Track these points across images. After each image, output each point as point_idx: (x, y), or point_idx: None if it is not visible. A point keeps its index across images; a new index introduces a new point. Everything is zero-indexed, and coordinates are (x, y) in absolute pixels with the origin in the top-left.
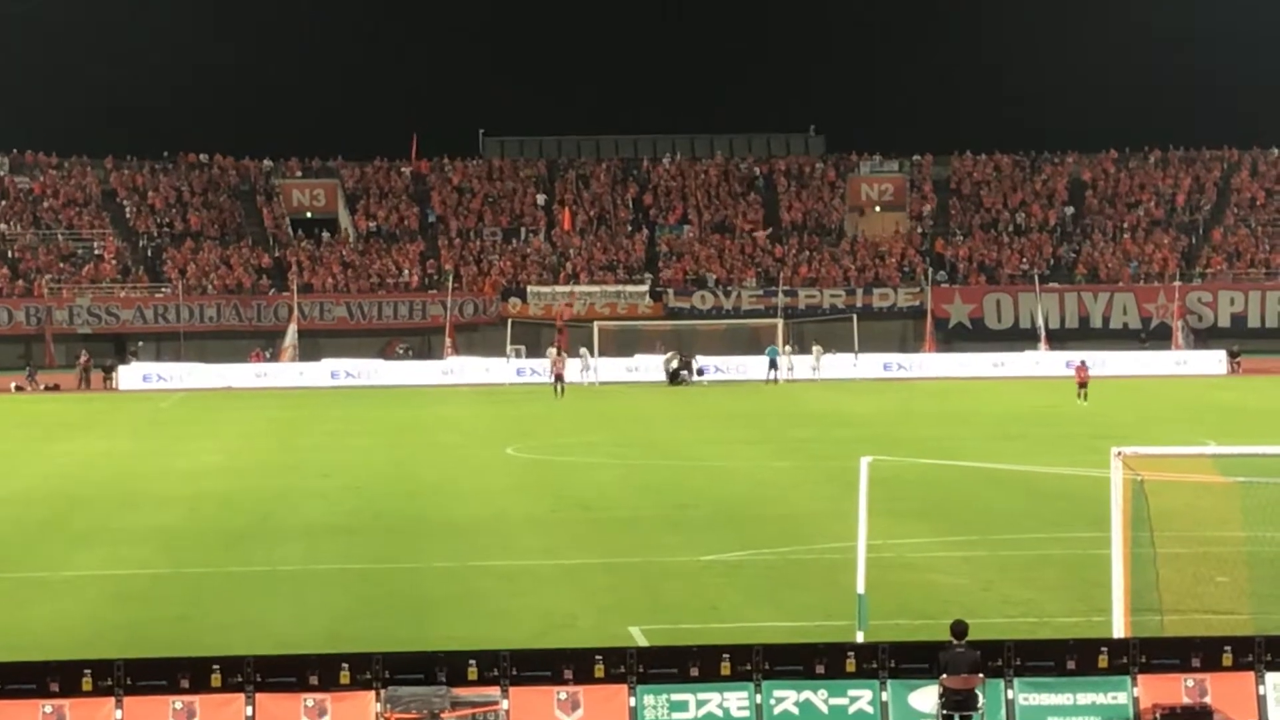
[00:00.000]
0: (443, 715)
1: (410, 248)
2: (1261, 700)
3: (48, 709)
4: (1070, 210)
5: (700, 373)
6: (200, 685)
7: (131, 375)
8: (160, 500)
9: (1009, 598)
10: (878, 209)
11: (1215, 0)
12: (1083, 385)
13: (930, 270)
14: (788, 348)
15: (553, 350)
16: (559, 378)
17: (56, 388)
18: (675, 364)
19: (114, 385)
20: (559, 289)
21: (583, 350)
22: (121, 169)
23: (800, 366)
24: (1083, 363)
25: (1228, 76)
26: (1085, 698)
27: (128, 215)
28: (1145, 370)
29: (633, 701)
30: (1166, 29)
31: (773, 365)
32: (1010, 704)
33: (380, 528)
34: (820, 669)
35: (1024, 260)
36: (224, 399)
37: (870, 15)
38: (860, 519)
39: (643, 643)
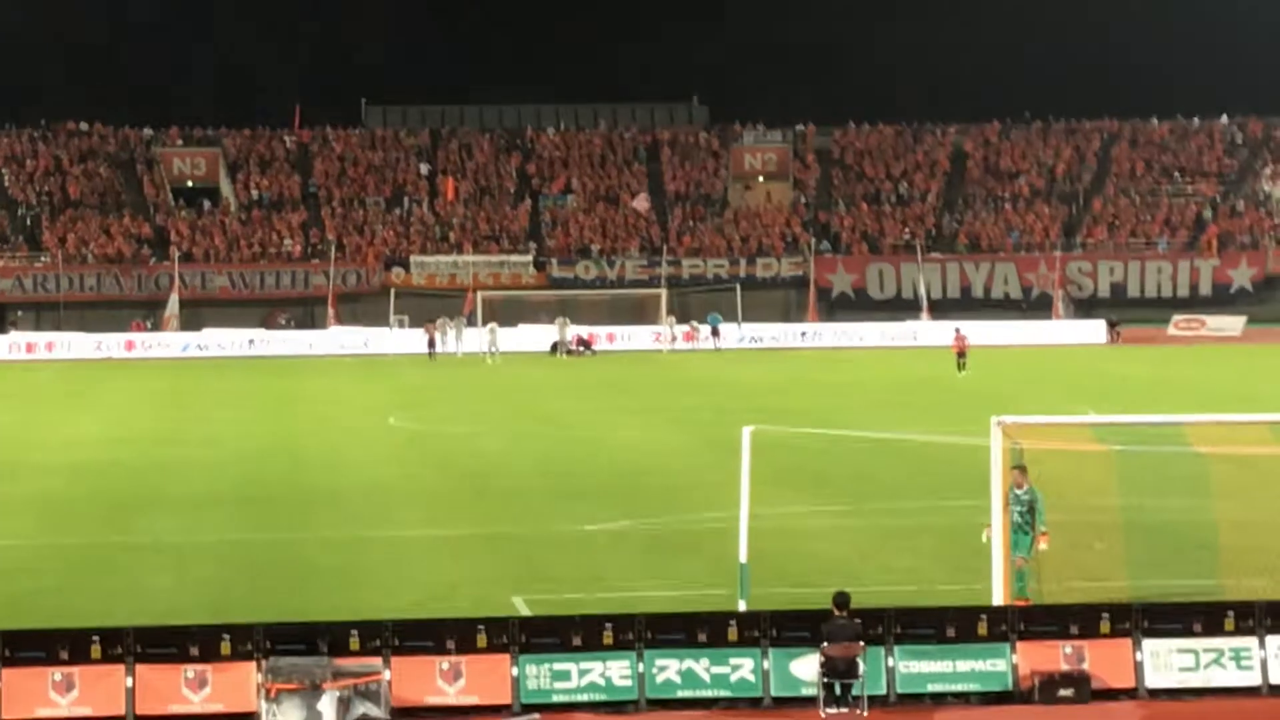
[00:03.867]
0: (324, 686)
1: (293, 217)
2: (1139, 666)
3: None
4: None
5: (587, 346)
6: (80, 656)
7: (10, 344)
8: (39, 470)
9: (889, 566)
10: (761, 179)
11: None
12: (961, 355)
13: (814, 240)
14: (670, 318)
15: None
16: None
17: None
18: (568, 333)
19: None
20: (442, 259)
21: (492, 325)
22: None
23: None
24: (959, 332)
25: (1108, 47)
26: (965, 665)
27: (6, 184)
28: (1026, 340)
29: (515, 671)
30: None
31: (715, 332)
32: (891, 671)
33: (262, 498)
34: (702, 638)
35: (906, 230)
36: (104, 369)
37: None
38: (743, 488)
39: (525, 613)
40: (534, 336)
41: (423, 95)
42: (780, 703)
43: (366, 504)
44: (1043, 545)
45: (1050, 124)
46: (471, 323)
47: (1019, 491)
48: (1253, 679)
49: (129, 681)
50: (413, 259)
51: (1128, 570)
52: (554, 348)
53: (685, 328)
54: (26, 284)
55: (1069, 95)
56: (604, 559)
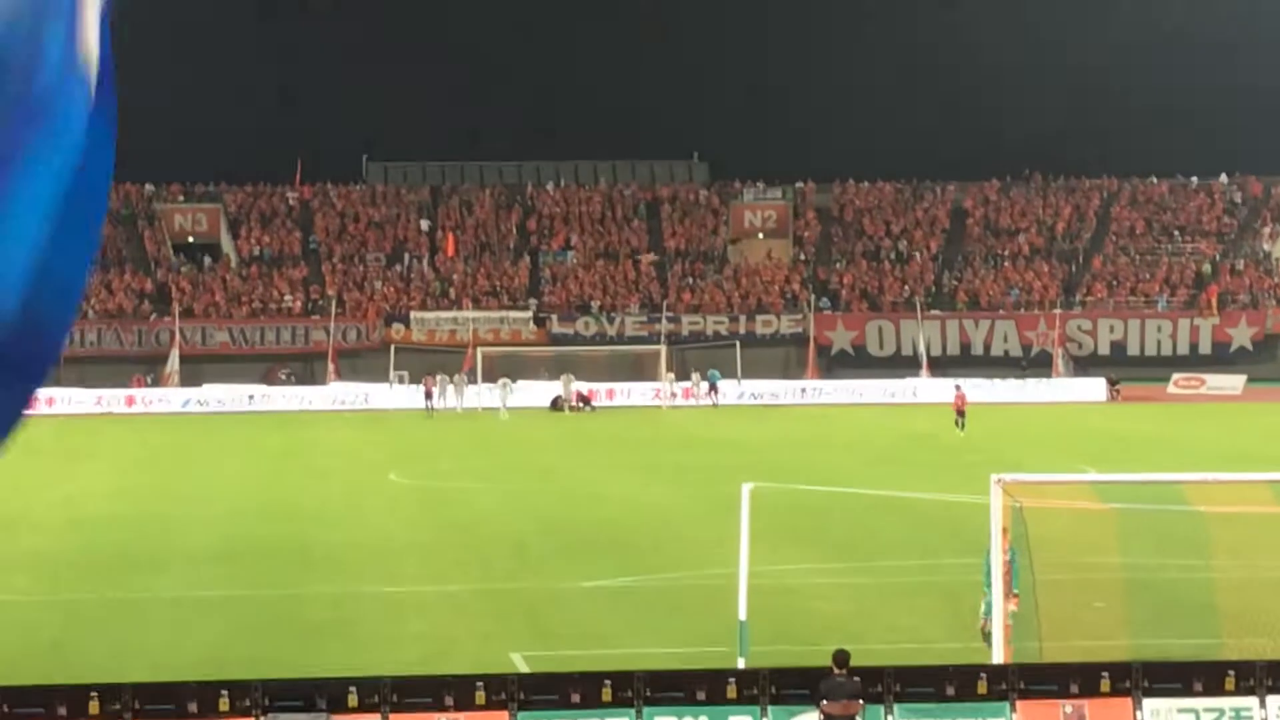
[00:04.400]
0: None
1: (293, 273)
2: None
3: None
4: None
5: (587, 402)
6: (78, 713)
7: None
8: (38, 525)
9: (889, 624)
10: (760, 236)
11: (1093, 33)
12: (960, 413)
13: (813, 297)
14: (669, 375)
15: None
16: (428, 394)
17: None
18: (572, 388)
19: None
20: (442, 314)
21: (504, 380)
22: None
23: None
24: (959, 390)
25: (1108, 105)
26: None
27: None
28: (1026, 397)
29: None
30: (1046, 60)
31: (713, 389)
32: None
33: (261, 553)
34: (701, 695)
35: (906, 287)
36: (104, 424)
37: (753, 43)
38: (742, 545)
39: (524, 669)
40: (533, 392)
41: (424, 151)
42: None
43: (365, 559)
44: (1012, 607)
45: (1050, 182)
46: (472, 379)
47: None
48: None
49: None
50: (413, 315)
51: (1128, 629)
52: (554, 403)
53: (685, 384)
54: None
55: (1068, 153)
56: (603, 615)
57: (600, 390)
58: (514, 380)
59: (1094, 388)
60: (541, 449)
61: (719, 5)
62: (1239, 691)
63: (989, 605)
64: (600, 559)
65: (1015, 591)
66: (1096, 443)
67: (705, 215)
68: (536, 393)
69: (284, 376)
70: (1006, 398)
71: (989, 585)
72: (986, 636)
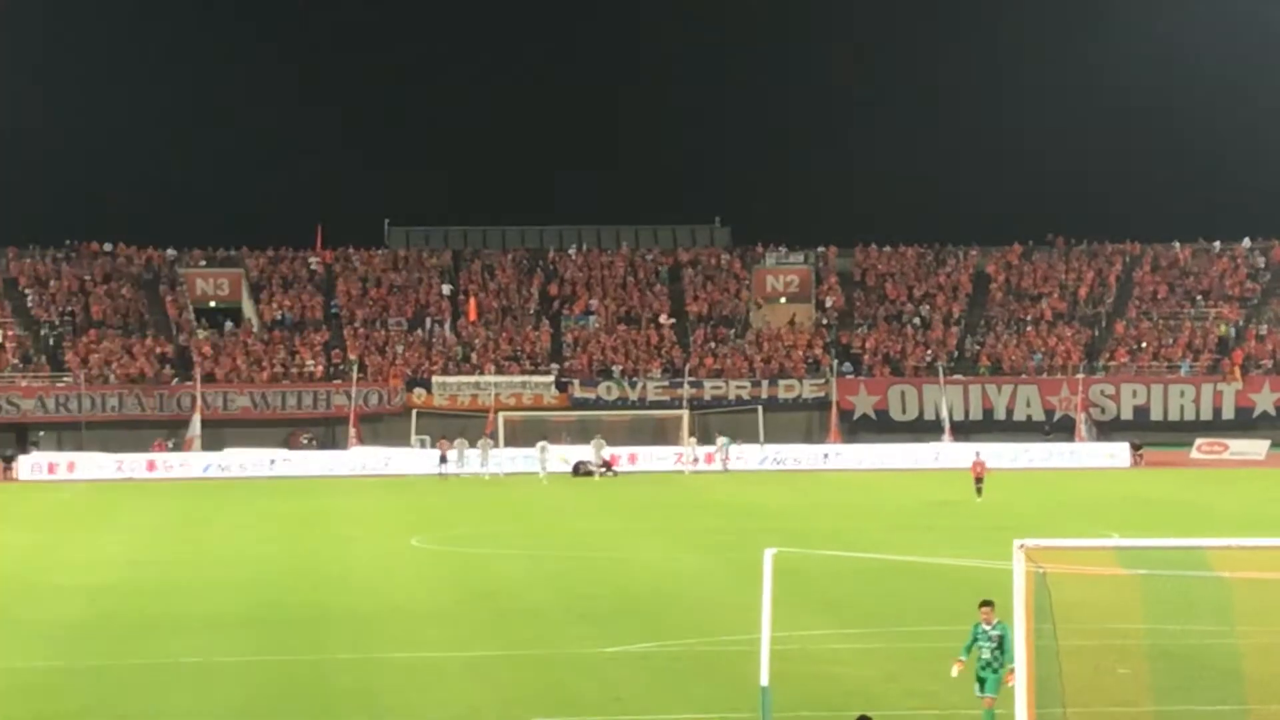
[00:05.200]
0: None
1: (315, 337)
2: None
3: None
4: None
5: (609, 467)
6: None
7: (31, 465)
8: (60, 592)
9: (912, 690)
10: (783, 300)
11: (1114, 98)
12: (979, 480)
13: (835, 362)
14: (691, 439)
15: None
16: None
17: None
18: (603, 454)
19: (14, 475)
20: (464, 379)
21: (543, 444)
22: (23, 258)
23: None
24: (978, 457)
25: (1130, 171)
26: None
27: (30, 304)
28: (1049, 463)
29: None
30: (1068, 124)
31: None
32: None
33: (282, 620)
34: None
35: (928, 352)
36: (126, 489)
37: (775, 109)
38: (764, 611)
39: None
40: (555, 457)
41: (445, 216)
42: None
43: (388, 625)
44: (1009, 682)
45: (1072, 246)
46: (494, 443)
47: (987, 628)
48: None
49: None
50: (434, 379)
51: (1153, 695)
52: (576, 468)
53: (709, 449)
54: (49, 404)
55: (1091, 218)
56: (624, 681)
57: (622, 455)
58: (551, 444)
59: (1117, 452)
60: (563, 514)
61: (740, 71)
62: None
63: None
64: (621, 624)
65: (1010, 667)
66: (1120, 508)
67: (727, 280)
68: (558, 458)
69: (306, 441)
70: (1029, 463)
71: (964, 654)
72: (991, 715)
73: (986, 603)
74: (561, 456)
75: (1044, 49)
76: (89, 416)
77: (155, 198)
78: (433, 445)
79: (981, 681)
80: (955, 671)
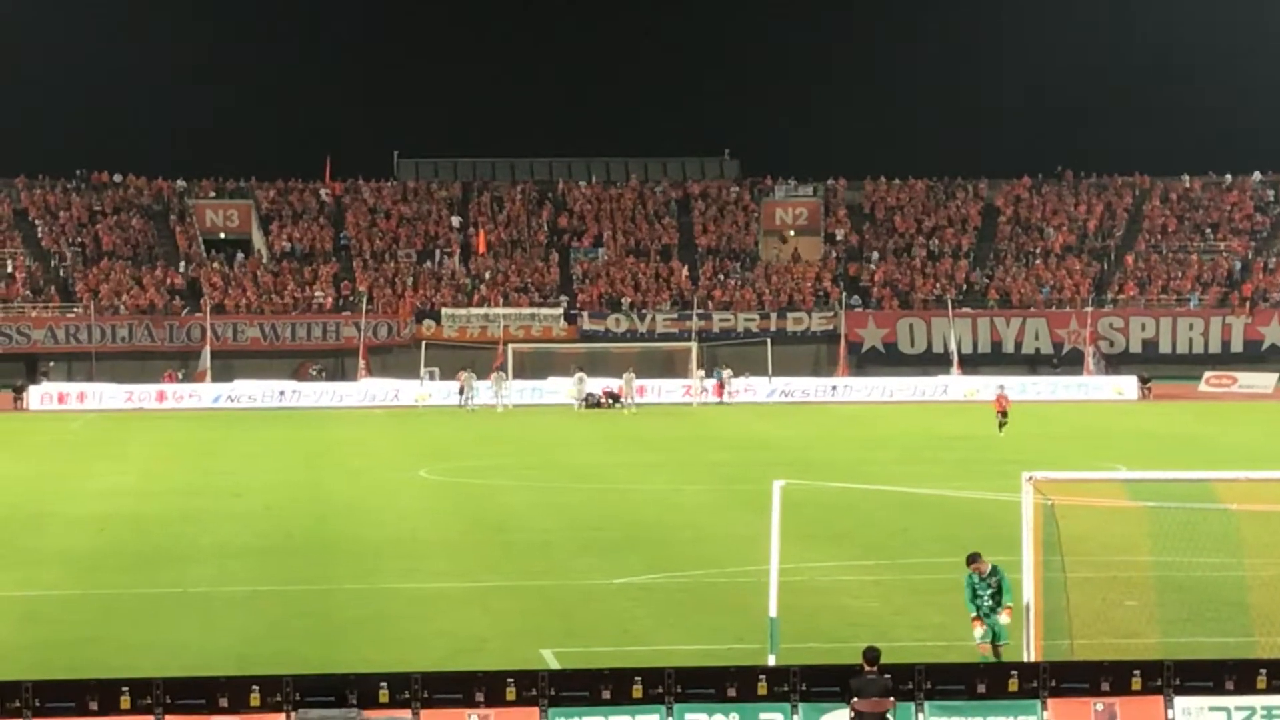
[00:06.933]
0: None
1: (324, 269)
2: None
3: None
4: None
5: (616, 399)
6: (109, 707)
7: (41, 396)
8: (70, 521)
9: (920, 621)
10: (792, 233)
11: (1124, 31)
12: (1003, 414)
13: (844, 295)
14: (700, 372)
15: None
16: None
17: None
18: (583, 387)
19: (24, 405)
20: (473, 311)
21: (580, 375)
22: (33, 189)
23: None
24: (1002, 390)
25: (1138, 104)
26: None
27: (39, 235)
28: (1057, 396)
29: None
30: (1078, 57)
31: (720, 386)
32: None
33: (291, 550)
34: (732, 692)
35: (937, 285)
36: (135, 420)
37: (784, 41)
38: (773, 543)
39: (554, 665)
40: (562, 389)
41: (455, 148)
42: None
43: (395, 556)
44: (1004, 618)
45: (1081, 179)
46: (506, 375)
47: (983, 578)
48: None
49: None
50: (444, 312)
51: (1159, 627)
52: (586, 400)
53: (713, 380)
54: (59, 334)
55: (1100, 151)
56: (633, 612)
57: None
58: (507, 376)
59: (1126, 386)
60: (570, 446)
61: (751, 4)
62: (1270, 690)
63: (989, 630)
64: (630, 556)
65: (1008, 604)
66: (1128, 441)
67: (736, 212)
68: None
69: (315, 373)
70: (1037, 396)
71: (974, 609)
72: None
73: (974, 556)
74: (570, 391)
75: None
76: (99, 347)
77: (164, 129)
78: (442, 377)
79: (988, 630)
80: (979, 633)
